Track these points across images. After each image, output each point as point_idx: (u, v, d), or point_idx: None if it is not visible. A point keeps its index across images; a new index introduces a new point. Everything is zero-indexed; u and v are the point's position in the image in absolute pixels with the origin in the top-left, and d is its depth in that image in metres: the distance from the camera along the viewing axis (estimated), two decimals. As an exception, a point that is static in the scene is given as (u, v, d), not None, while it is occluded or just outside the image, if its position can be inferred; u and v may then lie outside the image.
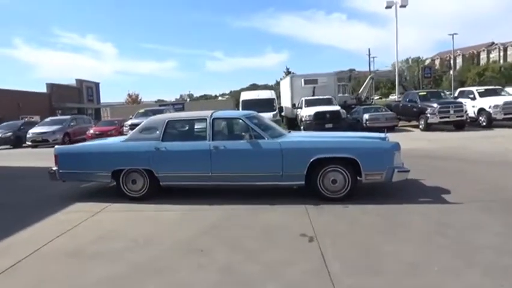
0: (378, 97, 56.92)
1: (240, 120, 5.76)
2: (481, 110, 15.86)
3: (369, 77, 26.43)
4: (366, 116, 16.93)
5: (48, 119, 20.76)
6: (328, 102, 17.76)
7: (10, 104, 29.80)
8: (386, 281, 3.03)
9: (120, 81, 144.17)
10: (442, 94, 18.59)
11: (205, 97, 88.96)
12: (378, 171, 5.20)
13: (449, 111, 15.19)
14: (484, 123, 15.59)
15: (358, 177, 5.30)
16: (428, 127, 15.62)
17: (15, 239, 4.45)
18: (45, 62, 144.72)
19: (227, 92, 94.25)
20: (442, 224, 4.25)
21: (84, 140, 15.13)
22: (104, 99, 49.53)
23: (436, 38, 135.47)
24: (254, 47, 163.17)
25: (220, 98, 71.24)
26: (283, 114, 21.77)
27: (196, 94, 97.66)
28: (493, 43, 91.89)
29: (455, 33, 48.01)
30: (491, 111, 15.30)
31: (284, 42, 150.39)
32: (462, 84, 48.86)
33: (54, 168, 6.10)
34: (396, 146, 5.28)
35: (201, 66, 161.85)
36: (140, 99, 55.49)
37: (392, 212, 4.77)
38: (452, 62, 60.97)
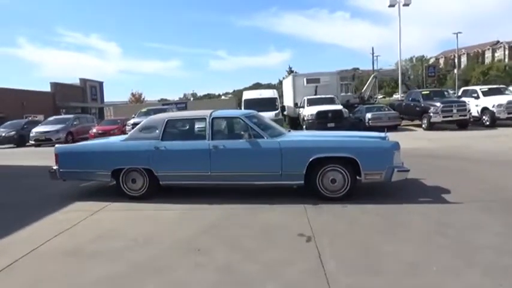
0: (381, 96, 56.73)
1: (239, 120, 5.75)
2: (484, 109, 15.76)
3: (372, 76, 26.31)
4: (369, 115, 16.89)
5: (51, 118, 20.86)
6: (331, 101, 17.71)
7: (14, 103, 30.01)
8: (384, 281, 3.02)
9: (124, 81, 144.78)
10: (446, 93, 18.48)
11: (208, 96, 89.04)
12: (378, 171, 5.18)
13: (452, 111, 15.10)
14: (488, 123, 15.49)
15: (358, 177, 5.27)
16: (431, 126, 15.55)
17: (14, 238, 4.46)
18: (49, 61, 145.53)
19: (230, 91, 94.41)
20: (442, 224, 4.23)
21: (87, 139, 15.18)
22: (107, 98, 49.83)
23: (441, 36, 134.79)
24: (257, 46, 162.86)
25: (223, 97, 71.27)
26: (285, 113, 21.73)
27: (200, 93, 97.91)
28: (498, 42, 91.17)
29: (460, 32, 47.73)
30: (494, 111, 15.20)
31: (287, 41, 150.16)
32: (466, 83, 48.54)
33: (55, 167, 6.13)
34: (396, 146, 5.25)
35: (205, 66, 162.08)
36: (143, 99, 55.64)
37: (392, 212, 4.75)
38: (456, 60, 60.69)
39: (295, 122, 19.46)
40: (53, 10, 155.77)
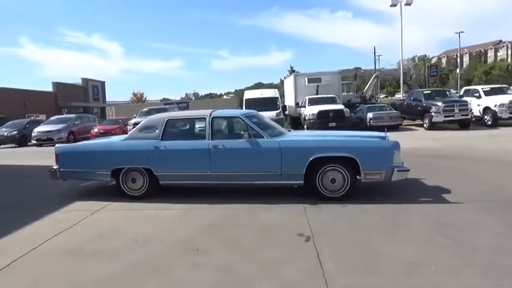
0: (383, 96, 56.63)
1: (239, 119, 5.75)
2: (486, 109, 15.71)
3: (373, 76, 26.29)
4: (370, 115, 16.87)
5: (53, 118, 20.91)
6: (332, 101, 17.69)
7: (16, 102, 30.11)
8: (382, 281, 3.01)
9: (126, 80, 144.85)
10: (447, 93, 18.43)
11: (210, 96, 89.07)
12: (377, 171, 5.16)
13: (454, 110, 15.06)
14: (490, 122, 15.44)
15: (358, 177, 5.26)
16: (433, 126, 15.51)
17: (13, 237, 4.48)
18: (52, 61, 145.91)
19: (232, 90, 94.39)
20: (442, 224, 4.22)
21: (89, 138, 15.21)
22: (109, 98, 49.97)
23: (443, 36, 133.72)
24: (259, 45, 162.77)
25: (224, 97, 71.32)
26: (286, 113, 21.72)
27: (202, 93, 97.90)
28: (500, 41, 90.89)
29: (462, 32, 47.52)
30: (496, 110, 15.16)
31: (289, 40, 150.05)
32: (469, 83, 48.42)
33: (55, 167, 6.14)
34: (396, 145, 5.24)
35: (207, 65, 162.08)
36: (145, 98, 55.71)
37: (392, 212, 4.74)
38: (458, 60, 60.50)
39: (296, 122, 19.46)
40: (55, 10, 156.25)
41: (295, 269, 3.27)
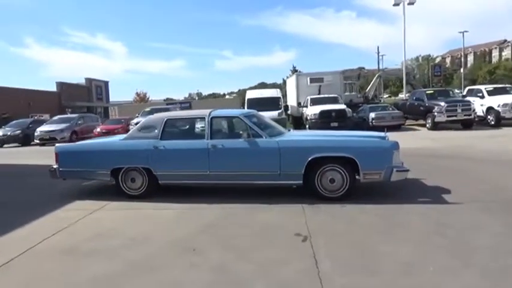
0: (387, 95, 56.41)
1: (238, 119, 5.74)
2: (489, 109, 15.61)
3: (376, 76, 26.14)
4: (372, 115, 16.82)
5: (56, 118, 21.02)
6: (334, 100, 17.64)
7: (21, 102, 30.30)
8: (378, 281, 3.00)
9: (129, 80, 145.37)
10: (450, 93, 18.33)
11: (213, 96, 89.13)
12: (377, 171, 5.14)
13: (456, 110, 14.99)
14: (493, 122, 15.34)
15: (357, 177, 5.24)
16: (436, 126, 15.43)
17: (12, 236, 4.50)
18: (56, 61, 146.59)
19: (236, 90, 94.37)
20: (440, 224, 4.19)
21: (92, 138, 15.26)
22: (113, 97, 50.10)
23: (447, 35, 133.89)
24: (263, 45, 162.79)
25: (227, 97, 71.35)
26: (289, 112, 21.68)
27: (205, 93, 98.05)
28: (505, 41, 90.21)
29: (466, 31, 47.45)
30: (500, 110, 15.06)
31: (292, 40, 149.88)
32: (473, 83, 48.13)
33: (55, 166, 6.17)
34: (395, 145, 5.21)
35: (210, 65, 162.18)
36: (148, 98, 55.87)
37: (391, 212, 4.72)
38: (462, 60, 60.18)
39: (298, 122, 19.43)
40: (60, 10, 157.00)
41: (291, 269, 3.26)
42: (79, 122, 20.07)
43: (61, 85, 38.70)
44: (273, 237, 4.10)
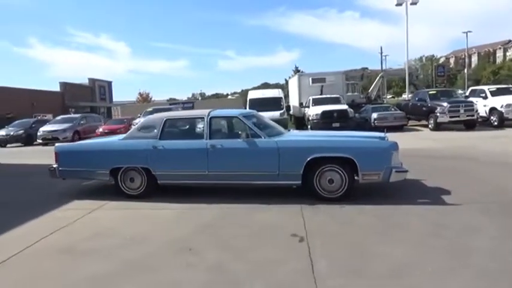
0: (390, 96, 56.26)
1: (237, 119, 5.74)
2: (492, 109, 15.53)
3: (379, 76, 26.09)
4: (374, 115, 16.77)
5: (59, 117, 21.11)
6: (336, 101, 17.60)
7: (24, 102, 30.42)
8: (372, 282, 2.99)
9: (132, 80, 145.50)
10: (453, 93, 18.24)
11: (216, 96, 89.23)
12: (375, 171, 5.12)
13: (459, 111, 14.90)
14: (496, 123, 15.27)
15: (356, 177, 5.22)
16: (438, 126, 15.36)
17: (10, 235, 4.52)
18: (60, 61, 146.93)
19: (239, 90, 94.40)
20: (438, 226, 4.17)
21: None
22: (116, 98, 50.23)
23: (451, 36, 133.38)
24: (266, 45, 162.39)
25: (229, 97, 71.41)
26: (291, 113, 21.67)
27: (208, 93, 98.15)
28: (509, 41, 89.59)
29: (470, 31, 46.98)
30: (503, 111, 14.98)
31: (296, 40, 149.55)
32: (477, 83, 47.89)
33: (55, 166, 6.19)
34: (394, 146, 5.19)
35: (213, 65, 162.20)
36: (151, 98, 56.01)
37: (389, 213, 4.70)
38: (466, 60, 59.89)
39: (300, 122, 19.41)
40: (64, 10, 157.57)
41: (286, 269, 3.26)
42: (81, 122, 20.14)
43: (64, 85, 38.86)
44: (271, 237, 4.09)
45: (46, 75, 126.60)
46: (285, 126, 14.92)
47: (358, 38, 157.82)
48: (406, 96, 25.92)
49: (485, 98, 16.16)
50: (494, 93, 16.09)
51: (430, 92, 17.57)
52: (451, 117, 14.91)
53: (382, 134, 5.81)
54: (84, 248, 4.01)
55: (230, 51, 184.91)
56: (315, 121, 16.20)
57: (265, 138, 5.45)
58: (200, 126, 5.79)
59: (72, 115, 22.99)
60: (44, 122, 20.79)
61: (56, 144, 6.53)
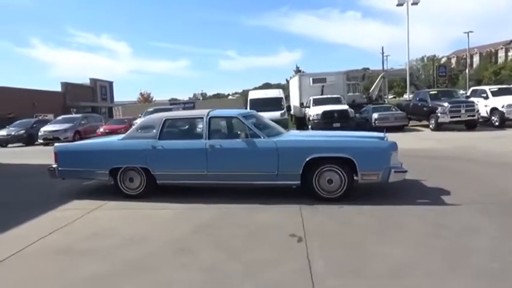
0: (392, 96, 56.17)
1: (236, 119, 5.74)
2: (493, 110, 15.49)
3: (380, 76, 26.06)
4: (375, 116, 16.73)
5: (59, 117, 21.15)
6: (337, 101, 17.58)
7: (26, 102, 30.51)
8: (369, 283, 2.98)
9: (134, 80, 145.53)
10: (454, 93, 18.20)
11: (217, 96, 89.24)
12: (374, 171, 5.11)
13: (460, 111, 14.87)
14: (497, 123, 15.23)
15: (355, 177, 5.21)
16: (439, 127, 15.32)
17: (9, 235, 4.52)
18: (61, 62, 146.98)
19: (240, 90, 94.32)
20: (437, 226, 4.16)
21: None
22: (118, 98, 50.35)
23: (453, 36, 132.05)
24: (267, 46, 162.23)
25: (230, 97, 71.40)
26: (292, 113, 21.65)
27: (210, 93, 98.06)
28: (511, 41, 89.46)
29: (471, 31, 46.94)
30: (504, 111, 14.94)
31: (297, 41, 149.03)
32: (479, 83, 47.79)
33: (54, 166, 6.19)
34: (393, 146, 5.18)
35: (214, 65, 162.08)
36: (152, 98, 56.07)
37: (388, 213, 4.69)
38: (468, 60, 59.76)
39: (301, 122, 19.40)
40: (66, 11, 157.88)
41: (283, 269, 3.25)
42: (82, 122, 20.18)
43: (66, 85, 38.96)
44: (269, 237, 4.09)
45: (48, 75, 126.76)
46: (286, 127, 14.92)
47: (360, 38, 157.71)
48: (407, 96, 25.85)
49: (487, 98, 16.12)
50: (495, 94, 16.05)
51: (431, 92, 17.53)
52: (452, 117, 14.88)
53: (381, 134, 5.80)
54: (83, 248, 4.01)
55: (232, 52, 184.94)
56: (315, 121, 16.18)
57: (264, 138, 5.44)
58: (199, 126, 5.78)
59: (74, 115, 23.02)
60: (45, 122, 20.84)
61: (56, 144, 6.54)
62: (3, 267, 3.62)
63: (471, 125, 15.11)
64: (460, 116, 14.88)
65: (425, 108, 16.38)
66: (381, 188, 5.67)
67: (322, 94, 19.15)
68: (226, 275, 3.23)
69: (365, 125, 16.73)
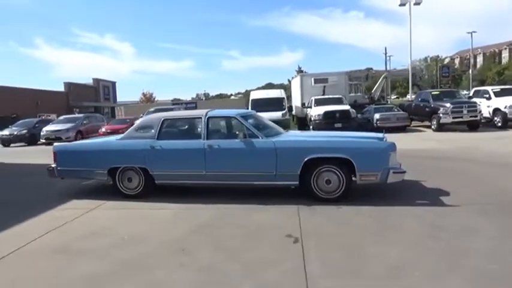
0: (395, 96, 55.98)
1: (235, 119, 5.73)
2: (496, 110, 15.40)
3: (382, 76, 25.93)
4: (377, 116, 16.67)
5: (62, 117, 21.25)
6: (338, 101, 17.55)
7: (29, 102, 30.71)
8: (364, 284, 2.96)
9: (137, 81, 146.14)
10: (456, 94, 18.12)
11: (220, 96, 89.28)
12: (373, 172, 5.09)
13: (462, 111, 14.79)
14: (499, 124, 15.13)
15: (353, 178, 5.20)
16: (441, 127, 15.24)
17: (7, 234, 4.54)
18: (65, 62, 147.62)
19: (243, 91, 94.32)
20: (435, 227, 4.14)
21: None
22: (121, 98, 50.58)
23: (456, 36, 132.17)
24: (270, 46, 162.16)
25: (232, 97, 71.47)
26: (293, 113, 21.63)
27: (212, 93, 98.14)
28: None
29: (474, 31, 46.75)
30: (506, 112, 14.84)
31: (300, 41, 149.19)
32: (482, 84, 47.60)
33: (53, 165, 6.21)
34: (392, 147, 5.16)
35: (217, 66, 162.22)
36: (154, 98, 56.20)
37: (386, 214, 4.66)
38: (472, 60, 59.52)
39: (303, 122, 19.38)
40: (70, 11, 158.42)
41: (278, 270, 3.24)
42: (84, 121, 20.24)
43: (69, 85, 39.17)
44: (266, 238, 4.07)
45: (51, 75, 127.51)
46: (287, 127, 14.92)
47: (362, 38, 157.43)
48: (409, 96, 25.76)
49: (489, 98, 16.03)
50: (497, 94, 15.96)
51: (433, 93, 17.45)
52: (454, 118, 14.80)
53: (380, 135, 5.77)
54: (81, 247, 4.02)
55: (234, 52, 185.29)
56: (317, 121, 16.16)
57: (263, 138, 5.43)
58: (198, 127, 5.78)
59: (76, 115, 23.10)
60: (47, 122, 20.94)
61: (55, 144, 6.56)
62: (1, 265, 3.63)
63: (473, 126, 15.04)
64: (462, 117, 14.80)
65: (427, 109, 16.31)
66: (379, 188, 5.65)
67: (323, 94, 19.13)
68: (222, 275, 3.22)
69: (367, 125, 16.67)
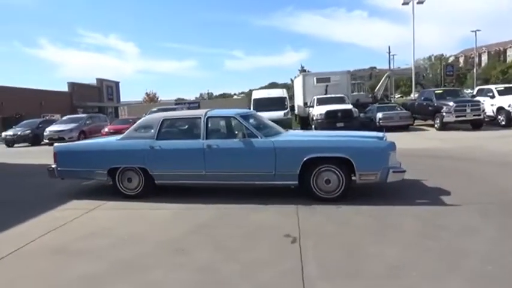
0: (398, 95, 55.75)
1: (234, 119, 5.72)
2: (500, 109, 15.30)
3: (385, 76, 25.86)
4: (380, 115, 16.61)
5: (65, 117, 21.32)
6: (341, 100, 17.47)
7: (33, 102, 30.84)
8: (362, 285, 2.95)
9: (141, 80, 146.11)
10: (460, 92, 18.00)
11: (223, 96, 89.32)
12: (372, 172, 5.06)
13: (465, 110, 14.68)
14: (503, 123, 15.03)
15: (353, 177, 5.17)
16: (444, 126, 15.16)
17: (7, 234, 4.55)
18: (69, 62, 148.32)
19: (246, 90, 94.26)
20: (435, 227, 4.11)
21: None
22: (125, 98, 50.72)
23: (461, 35, 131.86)
24: (274, 45, 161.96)
25: (235, 97, 71.50)
26: (296, 113, 21.58)
27: (216, 93, 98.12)
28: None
29: (478, 30, 46.68)
30: (510, 110, 14.73)
31: (304, 40, 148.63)
32: (487, 82, 47.18)
33: (53, 166, 6.23)
34: (391, 146, 5.13)
35: (221, 65, 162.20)
36: (157, 98, 56.33)
37: (386, 213, 4.64)
38: (476, 59, 59.12)
39: (305, 122, 19.33)
40: (74, 11, 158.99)
41: (275, 270, 3.23)
42: (87, 122, 20.29)
43: (72, 85, 39.31)
44: (264, 238, 4.06)
45: (55, 75, 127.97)
46: (289, 126, 14.87)
47: (366, 38, 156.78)
48: (413, 95, 25.64)
49: (493, 97, 15.92)
50: (501, 93, 15.85)
51: (436, 92, 17.35)
52: (457, 116, 14.70)
53: (380, 134, 5.74)
54: (81, 247, 4.03)
55: (238, 51, 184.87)
56: (319, 121, 16.10)
57: (262, 138, 5.42)
58: (197, 126, 5.77)
59: (79, 115, 23.19)
60: (50, 122, 21.02)
61: (55, 144, 6.58)
62: (0, 265, 3.64)
63: (477, 125, 14.93)
64: (465, 116, 14.70)
65: (430, 108, 16.22)
66: (379, 188, 5.62)
67: (326, 94, 19.05)
68: (219, 276, 3.21)
69: (369, 124, 16.61)
